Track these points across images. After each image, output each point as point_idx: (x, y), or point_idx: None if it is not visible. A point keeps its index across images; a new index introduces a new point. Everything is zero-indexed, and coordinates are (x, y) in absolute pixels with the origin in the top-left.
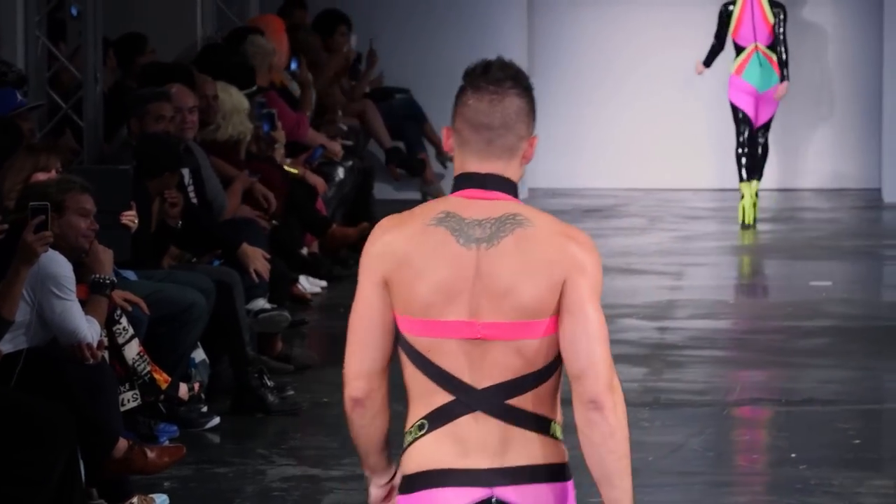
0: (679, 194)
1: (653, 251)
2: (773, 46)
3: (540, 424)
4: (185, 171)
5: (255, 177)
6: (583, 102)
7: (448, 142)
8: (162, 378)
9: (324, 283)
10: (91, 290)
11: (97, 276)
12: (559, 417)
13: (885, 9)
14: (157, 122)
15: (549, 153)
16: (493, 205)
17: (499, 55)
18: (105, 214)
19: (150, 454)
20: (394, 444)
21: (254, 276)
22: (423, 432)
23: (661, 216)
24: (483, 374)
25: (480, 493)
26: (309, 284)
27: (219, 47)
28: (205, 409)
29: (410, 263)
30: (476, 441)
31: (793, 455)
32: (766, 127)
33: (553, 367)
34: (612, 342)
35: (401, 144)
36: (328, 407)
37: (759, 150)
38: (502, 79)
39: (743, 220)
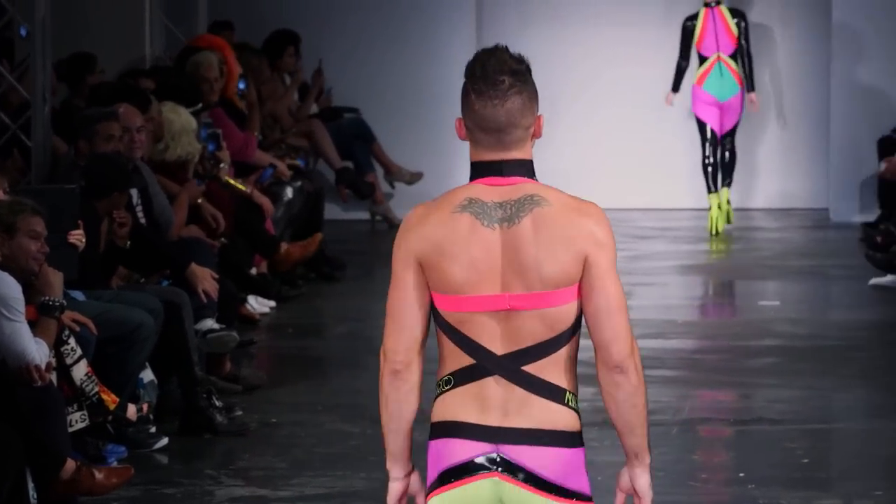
0: (629, 213)
1: None
2: (734, 56)
3: (554, 392)
4: (133, 191)
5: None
6: None
7: (461, 131)
8: (110, 398)
9: (272, 304)
10: (40, 313)
11: (47, 298)
12: (574, 388)
13: (832, 31)
14: (107, 142)
15: None
16: (512, 188)
17: (496, 44)
18: (53, 234)
19: (99, 475)
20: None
21: (202, 296)
22: (448, 387)
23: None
24: (505, 342)
25: (487, 447)
26: (257, 304)
27: (165, 66)
28: (153, 429)
29: (442, 248)
30: (493, 401)
31: (741, 474)
32: (731, 134)
33: (570, 334)
34: None
35: (350, 164)
36: (276, 427)
37: (728, 156)
38: (500, 80)
39: (713, 230)
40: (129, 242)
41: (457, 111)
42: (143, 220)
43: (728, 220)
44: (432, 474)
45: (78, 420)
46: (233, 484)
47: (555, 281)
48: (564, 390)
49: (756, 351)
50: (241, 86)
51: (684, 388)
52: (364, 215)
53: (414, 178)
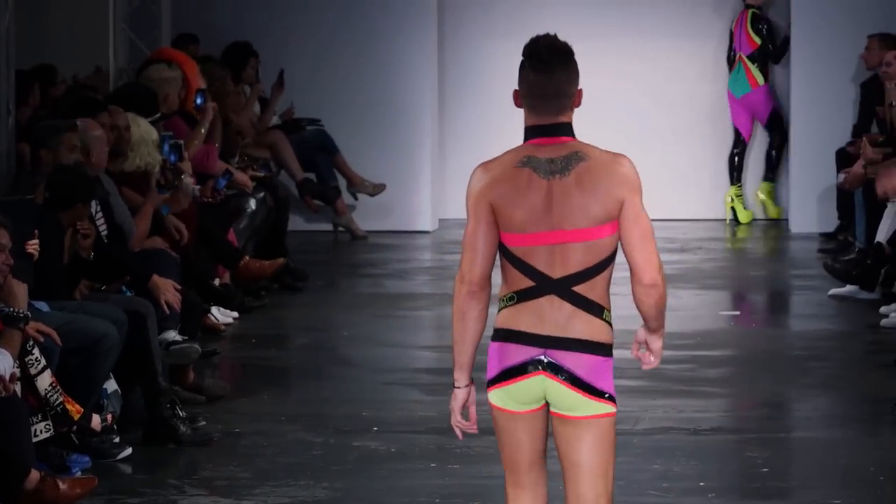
0: None
1: None
2: (752, 58)
3: (596, 309)
4: (93, 203)
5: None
6: (493, 133)
7: (518, 101)
8: (74, 409)
9: (235, 314)
10: (4, 323)
11: (11, 309)
12: (609, 306)
13: (792, 42)
14: (70, 153)
15: (460, 183)
16: (560, 146)
17: (546, 32)
18: (14, 245)
19: (62, 486)
20: None
21: (165, 307)
22: (512, 302)
23: None
24: (559, 268)
25: (537, 351)
26: (221, 315)
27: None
28: (117, 439)
29: (507, 195)
30: (547, 315)
31: (701, 484)
32: (773, 126)
33: (609, 261)
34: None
35: (312, 176)
36: (240, 437)
37: (769, 149)
38: (550, 57)
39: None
40: (92, 254)
41: (420, 122)
42: (104, 231)
43: (768, 215)
44: (492, 370)
45: (42, 430)
46: (196, 494)
47: (597, 219)
48: (602, 307)
49: (716, 361)
50: (199, 101)
51: (645, 398)
52: (327, 226)
53: (377, 189)
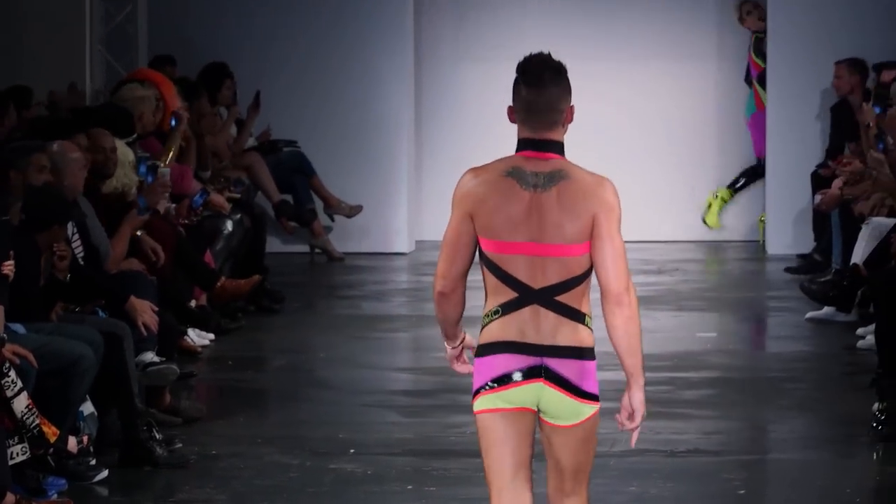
0: None
1: None
2: (759, 80)
3: (577, 316)
4: (70, 224)
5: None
6: (469, 156)
7: (512, 116)
8: (51, 431)
9: (212, 336)
10: None
11: None
12: (590, 313)
13: (768, 63)
14: (39, 174)
15: (436, 205)
16: (546, 162)
17: (539, 51)
18: None
19: None
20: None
21: (142, 329)
22: (497, 316)
23: None
24: (539, 278)
25: (533, 360)
26: (197, 337)
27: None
28: (93, 462)
29: (489, 202)
30: (531, 325)
31: None
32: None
33: (586, 275)
34: None
35: (289, 197)
36: (216, 459)
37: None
38: (542, 73)
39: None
40: (69, 276)
41: (396, 144)
42: (80, 253)
43: (703, 216)
44: (481, 380)
45: (18, 453)
46: None
47: (572, 237)
48: (584, 314)
49: (693, 382)
50: (174, 122)
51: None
52: (304, 248)
53: (353, 211)
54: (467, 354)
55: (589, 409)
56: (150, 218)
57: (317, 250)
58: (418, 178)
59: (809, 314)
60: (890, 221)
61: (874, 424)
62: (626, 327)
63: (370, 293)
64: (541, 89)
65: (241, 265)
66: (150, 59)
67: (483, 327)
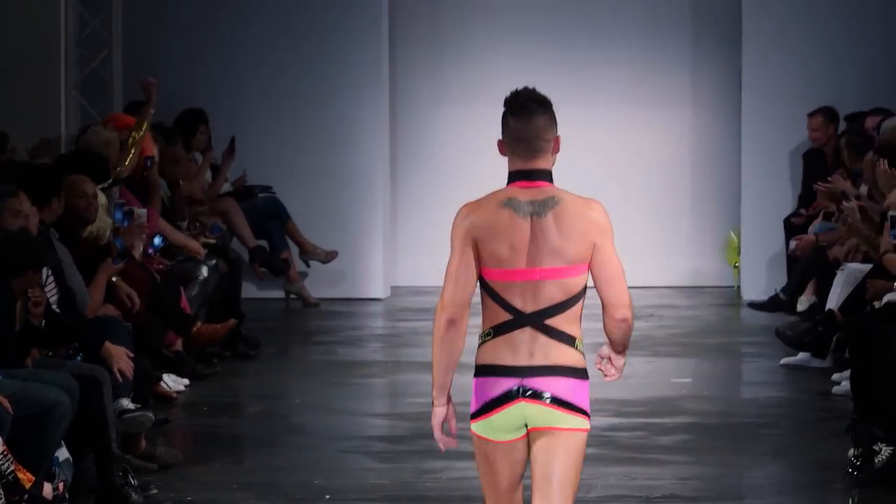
0: None
1: None
2: None
3: (567, 339)
4: (45, 269)
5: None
6: (445, 200)
7: (502, 149)
8: (26, 477)
9: (186, 381)
10: None
11: None
12: (581, 337)
13: (742, 108)
14: (14, 219)
15: (412, 251)
16: (539, 190)
17: (525, 86)
18: None
19: None
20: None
21: (117, 375)
22: (489, 337)
23: None
24: (532, 302)
25: (514, 382)
26: (173, 383)
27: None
28: None
29: (489, 232)
30: (522, 347)
31: None
32: None
33: (580, 296)
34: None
35: (264, 243)
36: None
37: None
38: (528, 103)
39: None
40: (43, 321)
41: (372, 190)
42: (55, 298)
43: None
44: (476, 403)
45: None
46: None
47: (571, 259)
48: (574, 338)
49: (668, 428)
50: (148, 164)
51: (598, 465)
52: (279, 293)
53: (329, 256)
54: (450, 426)
55: (579, 421)
56: (124, 264)
57: (292, 296)
58: (394, 223)
59: (784, 360)
60: (864, 267)
61: (849, 470)
62: (625, 336)
63: (346, 339)
64: (528, 119)
65: (216, 311)
66: (125, 105)
67: (479, 346)
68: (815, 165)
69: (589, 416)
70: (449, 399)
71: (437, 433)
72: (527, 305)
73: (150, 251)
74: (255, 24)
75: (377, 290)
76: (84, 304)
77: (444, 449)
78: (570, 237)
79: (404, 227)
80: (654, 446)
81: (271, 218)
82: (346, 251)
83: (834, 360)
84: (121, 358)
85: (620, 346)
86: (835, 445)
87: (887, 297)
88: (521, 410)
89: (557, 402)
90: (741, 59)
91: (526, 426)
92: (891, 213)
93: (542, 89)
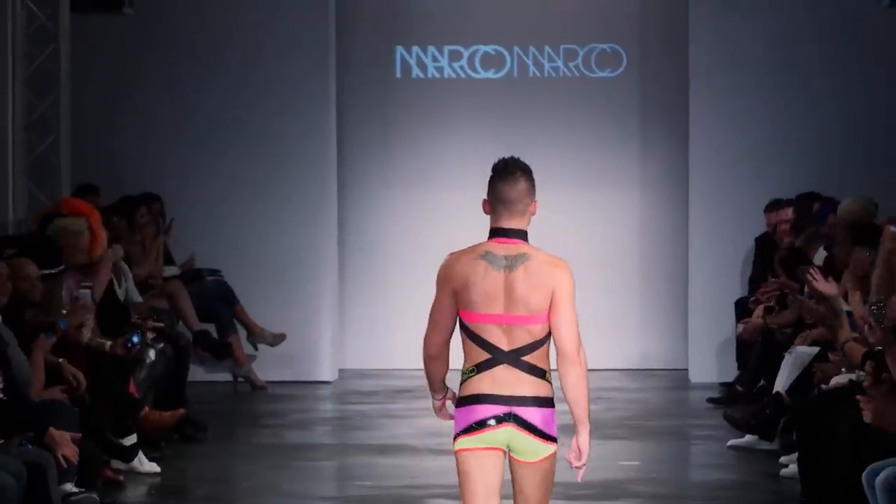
0: None
1: None
2: None
3: (539, 372)
4: None
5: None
6: (392, 282)
7: (486, 208)
8: None
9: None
10: None
11: None
12: (549, 369)
13: (689, 194)
14: None
15: (360, 333)
16: (513, 247)
17: (511, 156)
18: None
19: None
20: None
21: (62, 460)
22: (473, 374)
23: None
24: (508, 342)
25: (503, 409)
26: (148, 463)
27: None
28: None
29: (467, 281)
30: (503, 380)
31: None
32: None
33: (546, 339)
34: None
35: (210, 327)
36: None
37: None
38: (514, 171)
39: None
40: None
41: (320, 273)
42: (0, 383)
43: None
44: (460, 426)
45: None
46: None
47: (535, 309)
48: (544, 370)
49: None
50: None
51: None
52: (227, 377)
53: (277, 339)
54: (449, 406)
55: (548, 448)
56: (66, 343)
57: (240, 379)
58: (342, 306)
59: (732, 442)
60: (812, 350)
61: None
62: (576, 382)
63: (293, 422)
64: (513, 183)
65: (163, 395)
66: (73, 189)
67: (462, 382)
68: (765, 249)
69: (556, 441)
70: (446, 391)
71: (438, 413)
72: (503, 344)
73: (130, 346)
74: (203, 105)
75: (325, 372)
76: (29, 386)
77: (447, 419)
78: (534, 290)
79: (352, 310)
80: None
81: (219, 301)
82: (295, 334)
83: (781, 442)
84: (65, 444)
85: (578, 407)
86: None
87: (834, 381)
88: (507, 434)
89: (535, 430)
90: (688, 141)
91: (508, 448)
92: (847, 308)
93: (489, 171)
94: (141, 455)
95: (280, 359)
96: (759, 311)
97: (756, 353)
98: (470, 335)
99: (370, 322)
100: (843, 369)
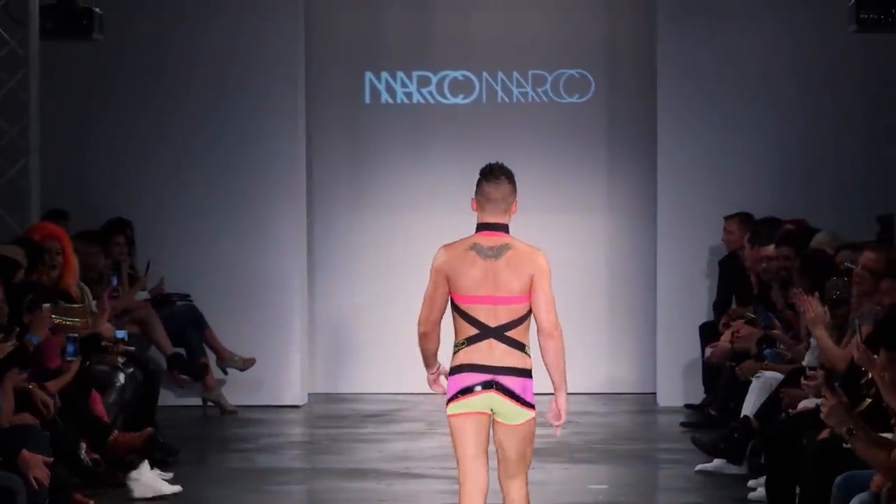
0: None
1: (431, 455)
2: None
3: (520, 346)
4: None
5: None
6: (362, 306)
7: (474, 206)
8: None
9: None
10: None
11: None
12: (528, 343)
13: (658, 218)
14: None
15: (329, 357)
16: (497, 238)
17: (497, 161)
18: None
19: None
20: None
21: (33, 483)
22: (463, 346)
23: (439, 420)
24: (494, 320)
25: (488, 377)
26: (164, 482)
27: None
28: None
29: (458, 269)
30: (490, 353)
31: None
32: None
33: (526, 317)
34: None
35: (182, 351)
36: None
37: None
38: (499, 175)
39: None
40: None
41: (289, 297)
42: None
43: None
44: (452, 391)
45: None
46: None
47: (517, 291)
48: (524, 344)
49: None
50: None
51: None
52: (197, 401)
53: (247, 364)
54: (442, 379)
55: (528, 413)
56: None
57: (210, 403)
58: (311, 330)
59: (700, 466)
60: (779, 375)
61: None
62: (554, 353)
63: (263, 446)
64: (498, 184)
65: (132, 419)
66: (43, 214)
67: (454, 353)
68: (730, 272)
69: (534, 407)
70: (439, 365)
71: (432, 385)
72: (490, 322)
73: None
74: (173, 130)
75: (294, 397)
76: None
77: (441, 391)
78: (516, 275)
79: (322, 333)
80: None
81: (189, 325)
82: (264, 358)
83: (749, 466)
84: (37, 466)
85: (556, 374)
86: None
87: (802, 404)
88: (490, 399)
89: (514, 396)
90: (656, 166)
91: (492, 411)
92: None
93: (461, 197)
94: (159, 478)
95: (249, 383)
96: (726, 335)
97: (726, 376)
98: (461, 314)
99: (339, 346)
100: (810, 394)
